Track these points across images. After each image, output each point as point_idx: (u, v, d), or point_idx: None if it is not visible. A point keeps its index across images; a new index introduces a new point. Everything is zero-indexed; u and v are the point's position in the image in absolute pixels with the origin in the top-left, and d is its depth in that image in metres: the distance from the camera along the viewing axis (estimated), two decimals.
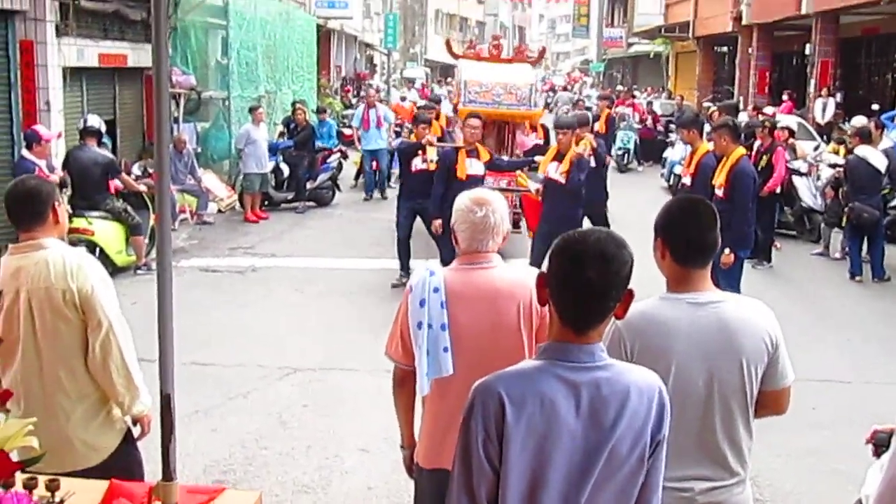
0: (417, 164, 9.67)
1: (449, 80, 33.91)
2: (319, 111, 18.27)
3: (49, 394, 3.34)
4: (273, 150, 14.57)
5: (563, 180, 8.45)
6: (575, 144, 8.67)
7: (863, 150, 10.54)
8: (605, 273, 2.06)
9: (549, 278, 2.14)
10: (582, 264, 2.06)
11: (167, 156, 2.24)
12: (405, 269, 9.67)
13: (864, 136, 10.82)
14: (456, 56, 12.37)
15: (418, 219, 9.81)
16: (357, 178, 17.30)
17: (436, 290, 3.08)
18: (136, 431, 3.57)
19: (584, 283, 2.07)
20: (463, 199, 3.24)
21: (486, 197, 3.24)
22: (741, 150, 7.85)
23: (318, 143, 15.69)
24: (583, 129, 9.41)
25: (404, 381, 3.26)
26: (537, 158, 9.65)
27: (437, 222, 8.81)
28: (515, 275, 3.17)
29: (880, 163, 10.46)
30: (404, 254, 9.77)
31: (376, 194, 16.08)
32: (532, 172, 10.43)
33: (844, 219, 10.70)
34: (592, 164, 9.46)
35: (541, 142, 11.97)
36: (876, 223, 10.39)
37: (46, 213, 3.39)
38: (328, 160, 15.53)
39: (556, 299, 2.13)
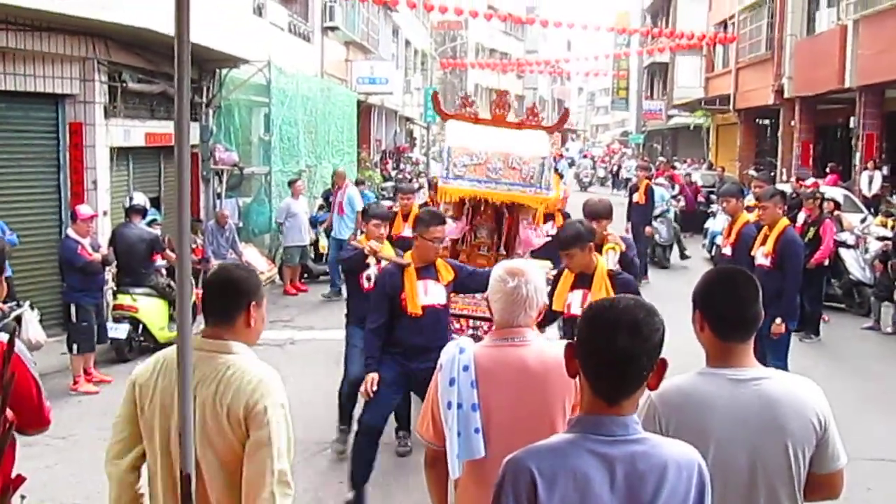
0: (367, 280, 6.76)
1: None
2: (358, 183, 18.47)
3: None
4: (313, 223, 14.74)
5: None
6: (596, 252, 5.87)
7: None
8: (635, 341, 2.00)
9: (578, 349, 2.07)
10: (612, 333, 2.00)
11: (187, 229, 2.21)
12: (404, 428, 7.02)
13: None
14: (445, 116, 8.60)
15: None
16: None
17: (465, 368, 2.99)
18: None
19: (614, 352, 2.00)
20: (497, 269, 3.18)
21: (521, 267, 3.17)
22: (786, 220, 7.75)
23: None
24: (604, 223, 6.58)
25: (436, 462, 3.16)
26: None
27: (372, 377, 5.68)
28: (549, 353, 3.05)
29: None
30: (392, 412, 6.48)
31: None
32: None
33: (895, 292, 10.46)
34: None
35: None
36: None
37: (237, 312, 2.85)
38: None
39: (586, 370, 2.06)
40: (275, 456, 2.69)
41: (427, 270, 5.81)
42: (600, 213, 6.63)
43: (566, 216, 9.71)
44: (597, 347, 2.04)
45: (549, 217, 9.73)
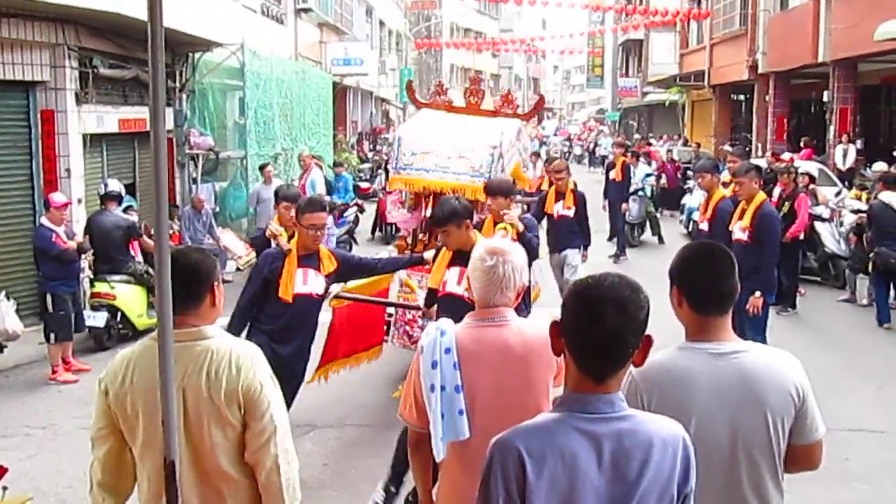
0: None
1: None
2: (335, 165, 18.41)
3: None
4: None
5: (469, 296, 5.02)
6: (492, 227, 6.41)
7: (887, 196, 10.45)
8: (621, 319, 2.00)
9: (564, 327, 2.07)
10: (597, 311, 2.00)
11: (165, 216, 2.19)
12: None
13: (889, 182, 10.77)
14: (419, 104, 8.67)
15: None
16: (374, 231, 17.44)
17: (447, 350, 2.98)
18: None
19: (600, 331, 2.00)
20: (478, 248, 3.17)
21: (501, 247, 3.16)
22: (763, 195, 7.79)
23: (335, 198, 15.74)
24: (500, 200, 6.50)
25: (420, 444, 3.15)
26: (428, 255, 6.33)
27: None
28: (530, 332, 3.06)
29: None
30: None
31: None
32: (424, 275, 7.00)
33: (870, 265, 10.54)
34: None
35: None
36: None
37: (203, 295, 2.86)
38: (345, 214, 15.59)
39: (571, 348, 2.06)
40: (279, 434, 2.78)
41: (310, 259, 5.76)
42: (495, 190, 6.57)
43: (577, 194, 10.02)
44: (583, 326, 2.03)
45: (559, 196, 9.90)
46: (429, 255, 6.23)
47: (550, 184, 10.62)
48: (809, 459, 2.69)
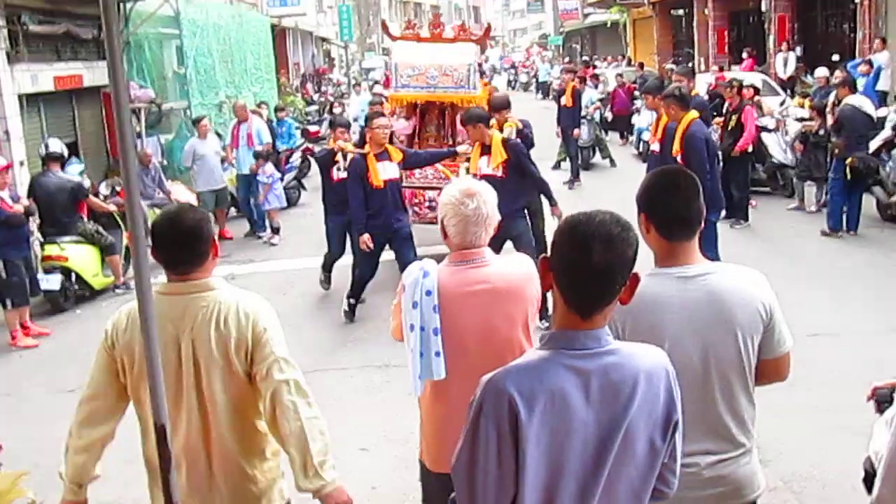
0: (336, 173, 8.78)
1: None
2: (278, 110, 18.02)
3: (219, 463, 2.93)
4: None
5: (500, 174, 7.29)
6: (498, 130, 8.02)
7: (854, 100, 10.49)
8: (609, 255, 2.01)
9: (553, 263, 2.08)
10: (587, 247, 2.00)
11: (134, 175, 2.14)
12: (354, 294, 8.38)
13: (851, 85, 10.79)
14: (393, 38, 10.85)
15: None
16: None
17: (428, 292, 3.01)
18: None
19: (589, 267, 2.00)
20: (451, 192, 3.16)
21: (476, 188, 3.16)
22: (692, 115, 7.79)
23: (279, 144, 15.40)
24: (504, 112, 8.62)
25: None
26: (461, 149, 8.42)
27: (365, 237, 7.78)
28: (510, 270, 3.11)
29: (872, 110, 10.48)
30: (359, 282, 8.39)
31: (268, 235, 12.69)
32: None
33: (848, 170, 10.05)
34: None
35: None
36: (872, 172, 10.29)
37: (208, 253, 2.91)
38: (290, 160, 15.30)
39: (560, 284, 2.07)
40: (285, 368, 2.87)
41: (382, 154, 7.83)
42: (500, 105, 8.78)
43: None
44: (571, 262, 2.04)
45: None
46: (461, 149, 8.36)
47: None
48: (778, 372, 2.79)
